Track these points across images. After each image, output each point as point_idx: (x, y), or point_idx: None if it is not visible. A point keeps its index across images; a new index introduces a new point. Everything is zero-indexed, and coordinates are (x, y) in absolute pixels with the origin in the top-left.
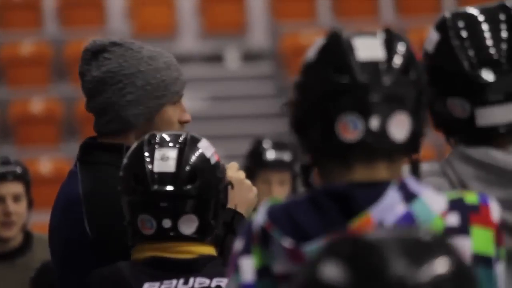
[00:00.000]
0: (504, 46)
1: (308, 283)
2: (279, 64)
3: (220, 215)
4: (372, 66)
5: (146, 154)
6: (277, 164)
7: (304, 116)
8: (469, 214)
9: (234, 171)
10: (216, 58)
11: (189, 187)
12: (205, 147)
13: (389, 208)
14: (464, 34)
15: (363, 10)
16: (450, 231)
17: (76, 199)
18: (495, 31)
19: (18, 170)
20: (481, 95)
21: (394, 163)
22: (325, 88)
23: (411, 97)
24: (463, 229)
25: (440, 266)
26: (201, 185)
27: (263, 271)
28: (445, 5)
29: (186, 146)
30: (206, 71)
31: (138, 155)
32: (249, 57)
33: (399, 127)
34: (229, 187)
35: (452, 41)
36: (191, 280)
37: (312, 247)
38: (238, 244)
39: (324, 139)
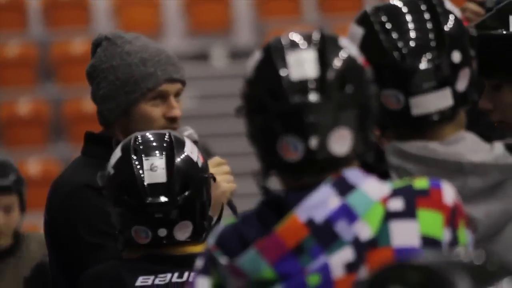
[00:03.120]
0: (430, 34)
1: None
2: None
3: (208, 212)
4: (305, 85)
5: (134, 165)
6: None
7: (250, 131)
8: (416, 198)
9: (214, 167)
10: (202, 57)
11: (182, 195)
12: (190, 150)
13: (318, 205)
14: (389, 26)
15: (348, 7)
16: (393, 215)
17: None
18: (419, 21)
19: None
20: (414, 83)
21: (343, 170)
22: (262, 110)
23: (350, 111)
24: (409, 213)
25: None
26: (193, 191)
27: None
28: None
29: (174, 152)
30: (193, 70)
31: (125, 165)
32: (236, 55)
33: (340, 143)
34: (211, 181)
35: (378, 35)
36: (186, 274)
37: (243, 259)
38: (197, 264)
39: (269, 157)
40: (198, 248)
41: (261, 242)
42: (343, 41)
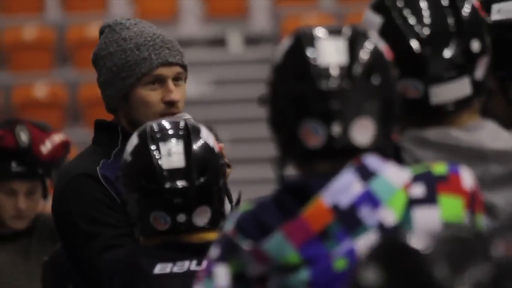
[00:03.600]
0: (450, 22)
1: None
2: None
3: (224, 199)
4: (333, 72)
5: (152, 150)
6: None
7: (273, 117)
8: (436, 183)
9: None
10: (218, 42)
11: (201, 180)
12: (206, 136)
13: (343, 190)
14: (406, 13)
15: None
16: (416, 202)
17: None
18: (437, 7)
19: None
20: (434, 73)
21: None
22: (288, 94)
23: (374, 102)
24: (430, 199)
25: (480, 273)
26: (211, 176)
27: (239, 277)
28: None
29: (191, 138)
30: (209, 55)
31: (143, 152)
32: (252, 40)
33: (362, 132)
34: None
35: (397, 22)
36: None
37: (269, 243)
38: (213, 252)
39: (289, 143)
40: (215, 236)
41: (287, 226)
42: (373, 36)
